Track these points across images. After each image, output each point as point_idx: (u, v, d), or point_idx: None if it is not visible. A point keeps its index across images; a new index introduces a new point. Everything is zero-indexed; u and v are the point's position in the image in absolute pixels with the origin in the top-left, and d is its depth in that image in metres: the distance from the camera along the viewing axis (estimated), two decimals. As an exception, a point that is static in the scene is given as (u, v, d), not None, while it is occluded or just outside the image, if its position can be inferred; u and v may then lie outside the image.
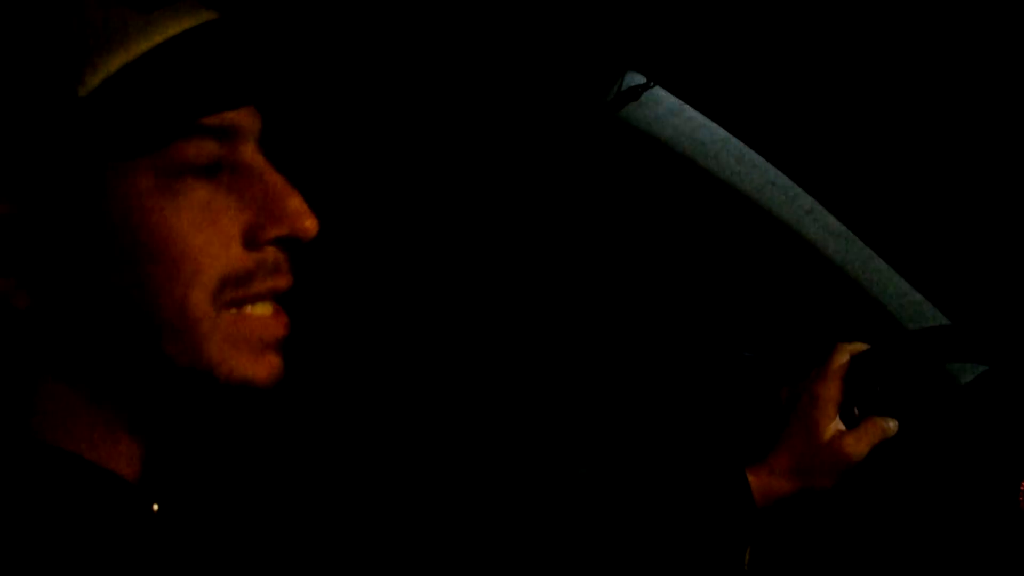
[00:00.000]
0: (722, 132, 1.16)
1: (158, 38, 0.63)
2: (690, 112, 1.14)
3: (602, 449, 1.24)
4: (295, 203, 0.67)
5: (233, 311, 0.66)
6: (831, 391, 1.03)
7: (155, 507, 0.70)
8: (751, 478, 1.03)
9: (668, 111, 1.14)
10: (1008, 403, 1.08)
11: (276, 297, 0.69)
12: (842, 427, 1.03)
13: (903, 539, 1.11)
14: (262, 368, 0.67)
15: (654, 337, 1.30)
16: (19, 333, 0.64)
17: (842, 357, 1.05)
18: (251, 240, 0.66)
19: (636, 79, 1.10)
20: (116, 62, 0.62)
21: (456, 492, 1.08)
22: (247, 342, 0.66)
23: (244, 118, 0.67)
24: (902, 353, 1.09)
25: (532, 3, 1.03)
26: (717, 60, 1.10)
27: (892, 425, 1.03)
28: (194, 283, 0.64)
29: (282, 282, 0.69)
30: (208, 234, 0.64)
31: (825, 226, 1.16)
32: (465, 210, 1.31)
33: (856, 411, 1.06)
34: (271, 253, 0.67)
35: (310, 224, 0.67)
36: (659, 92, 1.12)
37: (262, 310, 0.68)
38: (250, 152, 0.68)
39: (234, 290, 0.66)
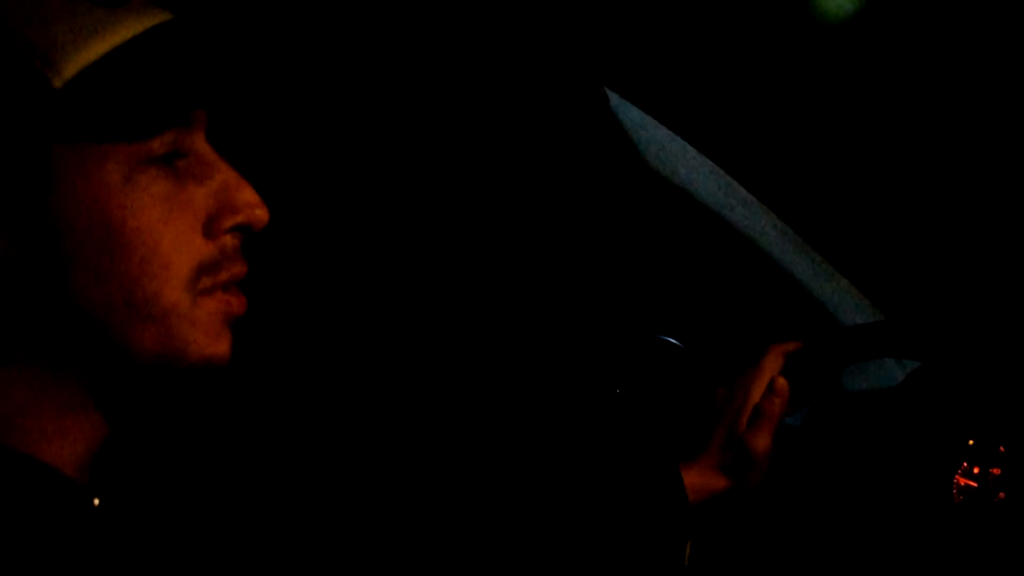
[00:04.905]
0: (666, 131, 1.18)
1: (126, 33, 0.65)
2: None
3: (536, 446, 1.26)
4: (248, 194, 0.71)
5: (204, 298, 0.69)
6: (761, 390, 1.05)
7: (96, 502, 0.70)
8: (685, 475, 1.05)
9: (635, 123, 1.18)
10: (941, 398, 1.10)
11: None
12: None
13: (840, 534, 1.13)
14: (222, 345, 0.70)
15: (593, 334, 1.31)
16: None
17: (774, 357, 1.08)
18: (209, 230, 0.69)
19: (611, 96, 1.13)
20: (89, 55, 0.63)
21: (397, 487, 1.10)
22: (214, 323, 0.69)
23: (197, 112, 0.70)
24: (835, 350, 1.11)
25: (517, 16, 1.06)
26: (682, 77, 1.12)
27: (779, 398, 1.05)
28: (168, 275, 0.66)
29: (241, 269, 0.72)
30: (175, 226, 0.67)
31: (762, 220, 1.18)
32: (418, 202, 1.33)
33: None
34: (228, 241, 0.70)
35: (262, 213, 0.71)
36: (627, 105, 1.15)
37: (229, 294, 0.71)
38: (202, 145, 0.70)
39: (208, 278, 0.69)
